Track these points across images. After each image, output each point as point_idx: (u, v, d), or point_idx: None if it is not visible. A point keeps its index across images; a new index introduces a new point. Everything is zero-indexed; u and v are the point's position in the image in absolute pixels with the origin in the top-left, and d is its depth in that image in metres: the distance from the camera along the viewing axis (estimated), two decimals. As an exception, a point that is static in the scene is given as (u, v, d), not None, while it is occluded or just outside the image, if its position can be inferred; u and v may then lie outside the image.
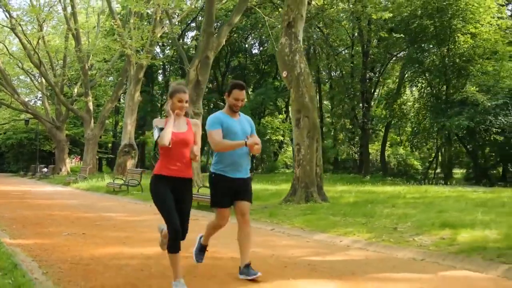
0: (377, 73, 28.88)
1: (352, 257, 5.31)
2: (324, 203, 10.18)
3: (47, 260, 4.86)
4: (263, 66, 38.33)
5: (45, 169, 28.59)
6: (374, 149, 32.57)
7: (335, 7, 23.86)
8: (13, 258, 4.68)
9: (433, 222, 6.91)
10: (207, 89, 41.86)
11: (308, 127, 10.53)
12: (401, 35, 22.40)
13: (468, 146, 23.73)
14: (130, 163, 20.87)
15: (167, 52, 40.40)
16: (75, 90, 30.35)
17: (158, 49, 38.02)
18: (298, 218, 8.18)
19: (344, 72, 28.67)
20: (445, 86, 22.62)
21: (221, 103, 36.44)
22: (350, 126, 29.47)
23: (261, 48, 39.28)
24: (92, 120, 26.22)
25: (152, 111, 38.93)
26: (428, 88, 24.46)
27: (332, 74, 31.31)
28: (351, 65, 28.17)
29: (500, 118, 19.03)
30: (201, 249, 4.44)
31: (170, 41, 30.06)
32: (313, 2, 26.90)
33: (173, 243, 3.52)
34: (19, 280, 3.80)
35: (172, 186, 3.64)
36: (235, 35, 34.59)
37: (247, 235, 4.08)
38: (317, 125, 10.74)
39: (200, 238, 4.46)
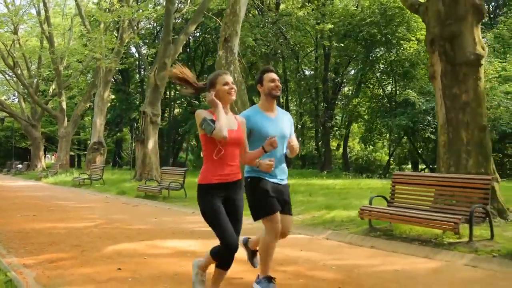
0: (340, 74, 30.74)
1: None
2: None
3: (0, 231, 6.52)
4: (241, 64, 39.87)
5: (20, 166, 29.93)
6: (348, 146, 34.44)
7: (294, 14, 25.57)
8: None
9: (320, 206, 8.73)
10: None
11: (240, 128, 12.28)
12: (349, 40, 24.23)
13: (415, 144, 25.77)
14: (99, 160, 22.42)
15: (143, 51, 41.82)
16: (51, 89, 31.64)
17: (133, 49, 39.46)
18: (219, 204, 9.93)
19: (306, 74, 30.48)
20: (392, 88, 24.60)
21: (195, 102, 37.96)
22: (312, 124, 31.28)
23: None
24: (66, 119, 27.60)
25: (128, 109, 40.28)
26: (380, 90, 26.42)
27: (297, 75, 33.09)
28: (312, 67, 30.00)
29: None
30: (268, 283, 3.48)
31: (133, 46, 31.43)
32: (281, 6, 28.80)
33: (227, 262, 3.04)
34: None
35: (224, 195, 3.04)
36: (207, 35, 36.12)
37: (275, 246, 3.48)
38: (248, 126, 12.47)
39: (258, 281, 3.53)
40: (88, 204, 10.90)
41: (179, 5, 30.58)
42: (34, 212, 8.81)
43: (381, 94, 25.81)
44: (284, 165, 3.55)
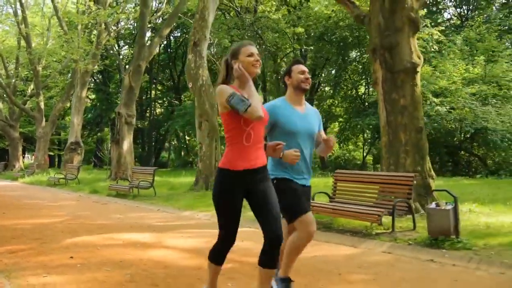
0: (316, 75, 31.45)
1: (187, 221, 7.65)
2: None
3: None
4: (216, 66, 40.34)
5: (-3, 166, 30.01)
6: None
7: (269, 16, 26.15)
8: None
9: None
10: (165, 88, 43.76)
11: (208, 129, 12.83)
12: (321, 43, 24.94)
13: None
14: (77, 160, 22.73)
15: (124, 51, 42.01)
16: (29, 89, 31.69)
17: (114, 49, 39.62)
18: (185, 201, 10.48)
19: (281, 75, 31.15)
20: (365, 90, 25.40)
21: (176, 102, 38.33)
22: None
23: (214, 49, 41.32)
24: (44, 119, 27.75)
25: (108, 109, 40.44)
26: (353, 91, 27.21)
27: (274, 76, 33.67)
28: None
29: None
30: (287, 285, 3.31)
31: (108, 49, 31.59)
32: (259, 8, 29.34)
33: (219, 252, 2.91)
34: None
35: (248, 185, 2.74)
36: (188, 36, 36.50)
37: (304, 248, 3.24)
38: (216, 127, 13.03)
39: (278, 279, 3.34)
40: (60, 202, 11.30)
41: (159, 5, 31.00)
42: (3, 210, 9.20)
43: (354, 95, 26.62)
44: (310, 165, 3.31)
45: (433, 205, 5.36)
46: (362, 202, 6.64)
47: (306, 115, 3.22)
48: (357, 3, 8.99)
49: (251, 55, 2.77)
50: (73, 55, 21.34)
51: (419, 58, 7.71)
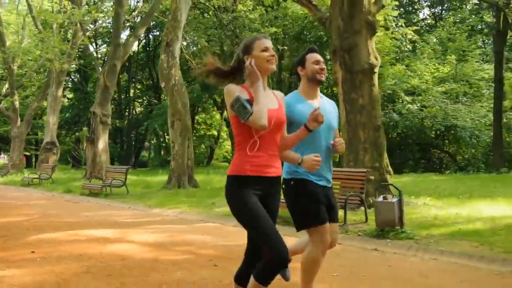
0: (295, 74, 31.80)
1: (154, 218, 7.88)
2: (194, 188, 12.73)
3: None
4: (193, 65, 40.36)
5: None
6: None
7: (246, 16, 26.41)
8: None
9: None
10: (144, 87, 43.63)
11: (181, 128, 13.04)
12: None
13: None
14: (52, 159, 22.64)
15: (102, 49, 41.76)
16: (4, 88, 31.31)
17: (91, 48, 39.36)
18: (156, 199, 10.68)
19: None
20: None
21: (155, 101, 38.29)
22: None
23: (194, 48, 41.37)
24: (19, 119, 27.49)
25: (86, 108, 40.13)
26: (329, 89, 27.68)
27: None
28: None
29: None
30: None
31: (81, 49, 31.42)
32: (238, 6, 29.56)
33: (272, 274, 2.35)
34: None
35: (261, 192, 2.42)
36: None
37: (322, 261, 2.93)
38: (188, 126, 13.24)
39: None
40: (32, 202, 11.38)
41: (136, 3, 31.00)
42: (-26, 209, 9.30)
43: (330, 93, 27.06)
44: (331, 162, 2.99)
45: (380, 198, 5.70)
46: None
47: (323, 109, 2.72)
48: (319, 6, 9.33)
49: (265, 49, 2.43)
50: (48, 54, 21.23)
51: (377, 60, 8.08)
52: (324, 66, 2.95)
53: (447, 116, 20.61)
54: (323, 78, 2.94)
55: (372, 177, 7.65)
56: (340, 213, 6.30)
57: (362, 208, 6.62)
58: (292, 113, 2.80)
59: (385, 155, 8.17)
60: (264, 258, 2.32)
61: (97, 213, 8.84)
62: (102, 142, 17.58)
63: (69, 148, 42.66)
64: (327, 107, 2.97)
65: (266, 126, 2.32)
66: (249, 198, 2.35)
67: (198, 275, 4.00)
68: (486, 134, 20.79)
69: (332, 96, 22.63)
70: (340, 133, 6.14)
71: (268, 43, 2.47)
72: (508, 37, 21.26)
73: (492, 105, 20.48)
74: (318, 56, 2.96)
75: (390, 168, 8.15)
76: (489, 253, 4.54)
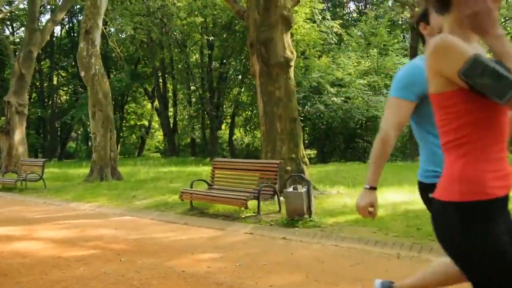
0: (224, 64, 31.77)
1: (69, 213, 7.65)
2: (117, 181, 12.42)
3: None
4: (118, 54, 38.97)
5: None
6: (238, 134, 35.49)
7: (173, 3, 25.91)
8: None
9: (168, 190, 9.52)
10: (70, 75, 41.45)
11: (102, 118, 12.62)
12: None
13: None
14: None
15: (20, 33, 39.10)
16: None
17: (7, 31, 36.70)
18: (75, 193, 10.31)
19: (189, 64, 31.06)
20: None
21: (81, 89, 36.51)
22: (195, 114, 32.08)
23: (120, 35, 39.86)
24: None
25: (2, 97, 37.51)
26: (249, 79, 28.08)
27: (181, 65, 33.48)
28: (198, 57, 30.76)
29: (306, 107, 22.98)
30: None
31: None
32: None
33: None
34: None
35: (504, 217, 1.50)
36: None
37: None
38: (110, 117, 12.85)
39: None
40: None
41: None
42: None
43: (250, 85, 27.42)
44: None
45: (290, 188, 5.94)
46: (240, 188, 7.09)
47: None
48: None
49: None
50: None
51: (292, 53, 8.32)
52: None
53: (368, 108, 21.70)
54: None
55: (289, 168, 7.93)
56: (254, 203, 6.52)
57: (276, 198, 6.85)
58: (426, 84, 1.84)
59: (302, 146, 8.48)
60: None
61: (8, 208, 8.40)
62: (19, 134, 16.56)
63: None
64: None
65: None
66: (497, 236, 1.44)
67: (101, 270, 3.97)
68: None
69: (251, 88, 23.03)
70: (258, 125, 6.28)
71: None
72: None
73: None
74: None
75: (306, 159, 8.46)
76: (384, 237, 4.91)
